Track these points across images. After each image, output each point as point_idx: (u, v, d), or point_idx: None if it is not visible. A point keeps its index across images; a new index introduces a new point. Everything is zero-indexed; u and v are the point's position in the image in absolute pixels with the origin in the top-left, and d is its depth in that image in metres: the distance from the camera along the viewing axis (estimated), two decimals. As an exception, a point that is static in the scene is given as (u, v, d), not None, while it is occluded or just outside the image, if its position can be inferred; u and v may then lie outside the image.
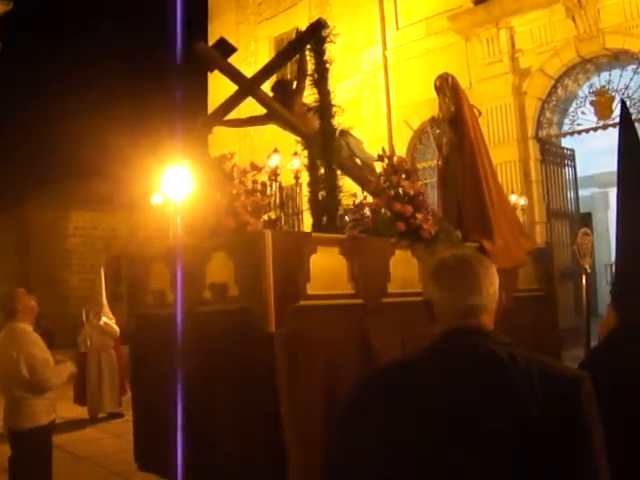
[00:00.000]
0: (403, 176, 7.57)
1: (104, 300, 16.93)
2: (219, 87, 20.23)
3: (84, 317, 16.87)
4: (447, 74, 9.23)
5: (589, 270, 9.94)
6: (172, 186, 7.75)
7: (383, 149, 7.98)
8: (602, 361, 4.60)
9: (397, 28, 22.44)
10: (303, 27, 8.62)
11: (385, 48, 22.69)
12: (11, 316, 7.97)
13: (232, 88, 8.73)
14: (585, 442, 2.57)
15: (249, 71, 9.06)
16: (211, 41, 8.94)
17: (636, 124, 16.12)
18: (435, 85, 9.19)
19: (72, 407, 16.12)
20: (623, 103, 7.71)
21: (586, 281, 9.82)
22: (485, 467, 2.56)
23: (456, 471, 2.58)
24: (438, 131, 9.20)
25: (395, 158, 7.83)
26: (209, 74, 24.46)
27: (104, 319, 16.54)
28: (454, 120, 8.92)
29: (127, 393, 16.06)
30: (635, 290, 6.55)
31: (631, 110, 17.22)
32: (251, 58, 24.45)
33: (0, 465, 8.65)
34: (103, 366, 16.32)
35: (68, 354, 9.06)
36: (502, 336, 2.82)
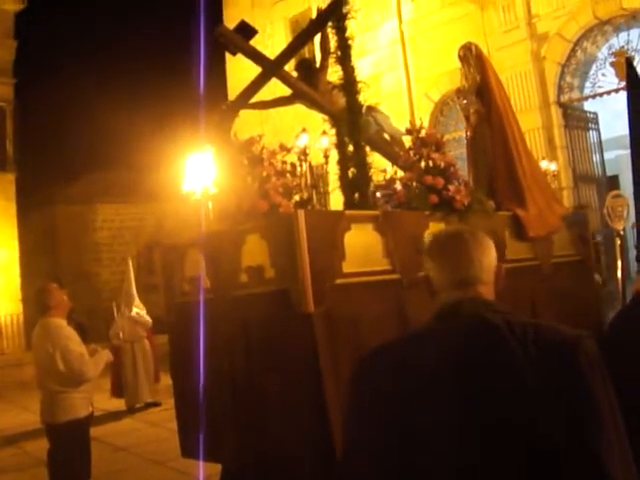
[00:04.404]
0: (433, 148, 7.54)
1: (134, 291, 17.03)
2: (238, 72, 20.29)
3: (115, 310, 16.99)
4: (470, 43, 9.14)
5: (622, 232, 9.85)
6: (199, 173, 7.76)
7: (411, 122, 7.94)
8: (626, 322, 4.59)
9: (412, 0, 22.34)
10: (318, 6, 8.62)
11: (401, 22, 22.61)
12: (45, 311, 8.03)
13: (252, 72, 8.72)
14: (588, 407, 2.54)
15: (266, 54, 9.03)
16: (228, 26, 8.91)
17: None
18: (459, 55, 9.11)
19: (110, 399, 16.30)
20: (628, 61, 7.66)
21: (620, 244, 9.75)
22: (486, 439, 2.56)
23: (457, 443, 2.58)
24: (465, 102, 9.12)
25: (424, 131, 7.79)
26: (228, 59, 24.50)
27: (135, 310, 16.64)
28: (480, 90, 8.84)
29: (160, 381, 16.24)
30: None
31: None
32: (268, 40, 24.36)
33: (39, 459, 8.72)
34: (137, 357, 16.44)
35: (102, 347, 9.09)
36: (499, 305, 2.86)
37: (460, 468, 2.56)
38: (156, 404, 16.12)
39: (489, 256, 2.93)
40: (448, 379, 2.63)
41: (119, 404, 16.27)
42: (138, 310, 16.72)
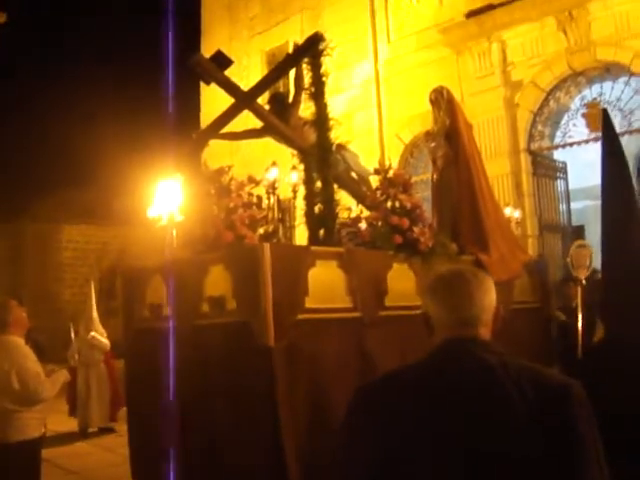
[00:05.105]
0: (400, 189, 7.58)
1: (94, 314, 16.85)
2: (212, 100, 20.28)
3: (72, 331, 16.81)
4: (442, 87, 9.24)
5: (584, 282, 9.90)
6: (166, 199, 7.75)
7: (380, 162, 7.98)
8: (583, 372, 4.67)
9: (389, 41, 22.47)
10: (295, 41, 8.66)
11: (377, 62, 22.70)
12: (2, 328, 7.89)
13: (226, 102, 8.74)
14: (577, 448, 2.63)
15: (242, 85, 9.03)
16: (205, 55, 8.92)
17: (627, 136, 16.21)
18: (430, 98, 9.20)
19: (64, 420, 16.08)
20: (605, 112, 7.77)
21: (582, 293, 9.79)
22: (479, 474, 2.62)
23: (449, 474, 2.65)
24: (433, 144, 9.19)
25: (392, 171, 7.84)
26: (202, 88, 24.50)
27: (93, 333, 16.42)
28: (449, 133, 8.92)
29: (124, 406, 16.06)
30: (619, 302, 6.60)
31: (623, 122, 17.30)
32: (244, 72, 24.37)
33: (-12, 478, 8.59)
34: (91, 381, 16.21)
35: (60, 368, 8.98)
36: (496, 345, 2.92)
37: None
38: (110, 429, 15.96)
39: (489, 297, 2.99)
40: (445, 414, 2.70)
41: (73, 426, 16.05)
42: (95, 334, 16.50)
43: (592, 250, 10.11)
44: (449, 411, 2.69)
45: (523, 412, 2.63)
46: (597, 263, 9.10)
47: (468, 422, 2.66)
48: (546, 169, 19.47)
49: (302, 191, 7.63)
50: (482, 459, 2.61)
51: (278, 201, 7.93)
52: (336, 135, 7.74)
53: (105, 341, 16.50)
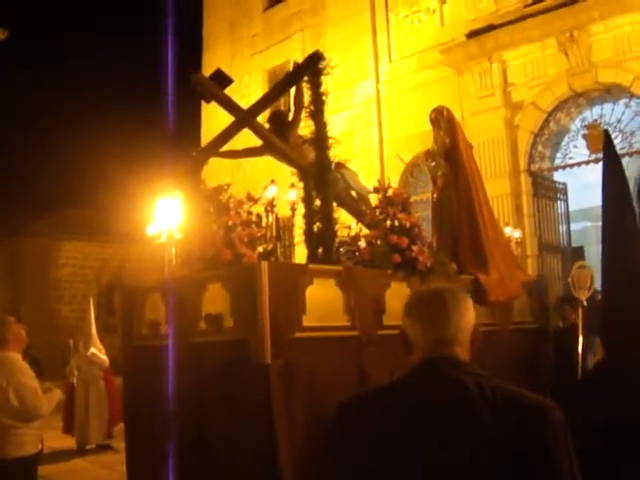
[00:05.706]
0: (399, 208, 7.57)
1: (93, 330, 16.82)
2: (213, 118, 20.35)
3: (71, 347, 16.78)
4: (442, 107, 9.24)
5: (585, 303, 9.90)
6: (165, 217, 7.74)
7: (379, 181, 7.97)
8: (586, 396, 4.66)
9: (390, 61, 22.57)
10: (297, 60, 8.67)
11: (378, 81, 22.79)
12: (0, 344, 7.87)
13: (227, 119, 8.74)
14: (551, 473, 2.60)
15: (243, 103, 9.08)
16: (205, 73, 8.95)
17: (627, 158, 16.21)
18: (430, 118, 9.19)
19: (60, 437, 16.01)
20: (606, 133, 7.78)
21: (582, 314, 9.79)
22: None
23: None
24: (433, 164, 9.18)
25: (391, 190, 7.82)
26: (203, 105, 24.58)
27: (92, 350, 16.38)
28: (449, 153, 8.92)
29: (120, 423, 15.99)
30: (618, 324, 6.58)
31: (623, 143, 17.31)
32: (245, 90, 24.53)
33: (-17, 495, 8.54)
34: (90, 397, 16.17)
35: (57, 385, 8.95)
36: (473, 366, 2.92)
37: None
38: (108, 446, 15.90)
39: (466, 317, 2.97)
40: (417, 433, 2.70)
41: (69, 443, 15.95)
42: (94, 350, 16.47)
43: (592, 271, 10.12)
44: (421, 430, 2.70)
45: (495, 433, 2.61)
46: (598, 284, 9.10)
47: (439, 441, 2.66)
48: (546, 190, 19.50)
49: (301, 209, 7.63)
50: (451, 473, 2.62)
51: (277, 219, 7.93)
52: (335, 154, 7.73)
53: (104, 357, 16.47)
